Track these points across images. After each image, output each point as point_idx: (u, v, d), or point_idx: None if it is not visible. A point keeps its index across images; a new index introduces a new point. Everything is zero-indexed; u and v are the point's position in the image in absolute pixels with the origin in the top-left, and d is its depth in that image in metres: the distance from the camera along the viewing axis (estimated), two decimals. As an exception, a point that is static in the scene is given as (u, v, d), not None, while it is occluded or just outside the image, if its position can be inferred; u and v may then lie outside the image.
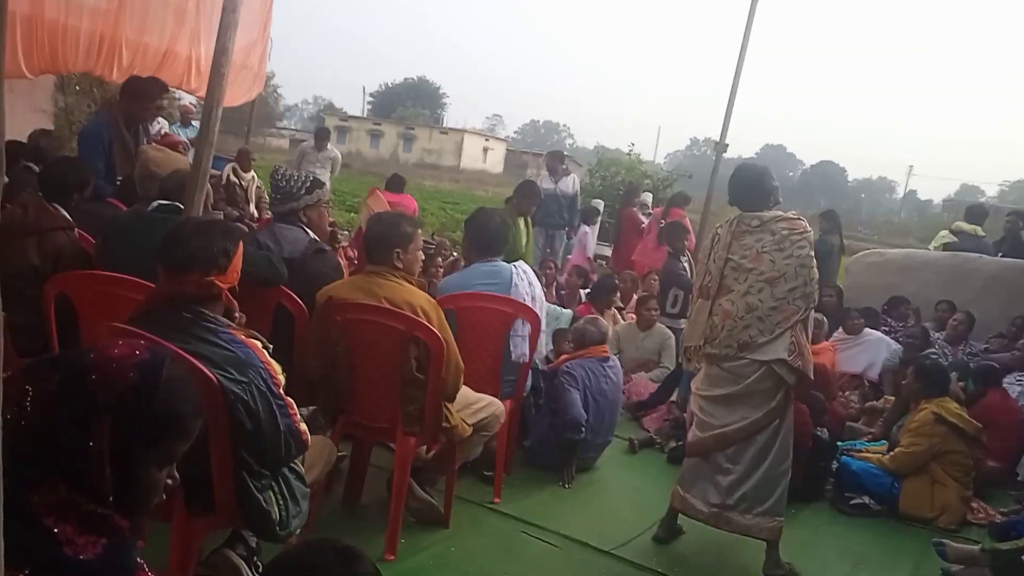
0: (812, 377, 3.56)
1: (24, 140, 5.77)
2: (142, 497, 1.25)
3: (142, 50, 7.19)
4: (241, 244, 2.40)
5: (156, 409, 1.23)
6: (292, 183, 3.60)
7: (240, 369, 2.23)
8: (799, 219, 3.57)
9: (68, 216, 3.52)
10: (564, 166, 9.99)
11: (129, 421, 1.20)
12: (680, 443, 5.00)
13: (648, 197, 11.43)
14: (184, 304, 2.26)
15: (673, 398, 5.54)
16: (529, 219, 6.00)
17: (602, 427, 4.62)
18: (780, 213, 3.58)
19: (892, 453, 4.65)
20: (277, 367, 2.35)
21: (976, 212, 9.32)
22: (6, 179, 3.39)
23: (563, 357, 4.94)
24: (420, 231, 3.48)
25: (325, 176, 9.62)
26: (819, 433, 4.73)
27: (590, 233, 9.89)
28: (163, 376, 1.25)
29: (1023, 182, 55.71)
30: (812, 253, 3.49)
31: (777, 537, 3.59)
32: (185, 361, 2.15)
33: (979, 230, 8.67)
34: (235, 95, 8.55)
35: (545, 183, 9.73)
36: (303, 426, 2.41)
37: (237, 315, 2.49)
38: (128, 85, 5.02)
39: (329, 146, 10.40)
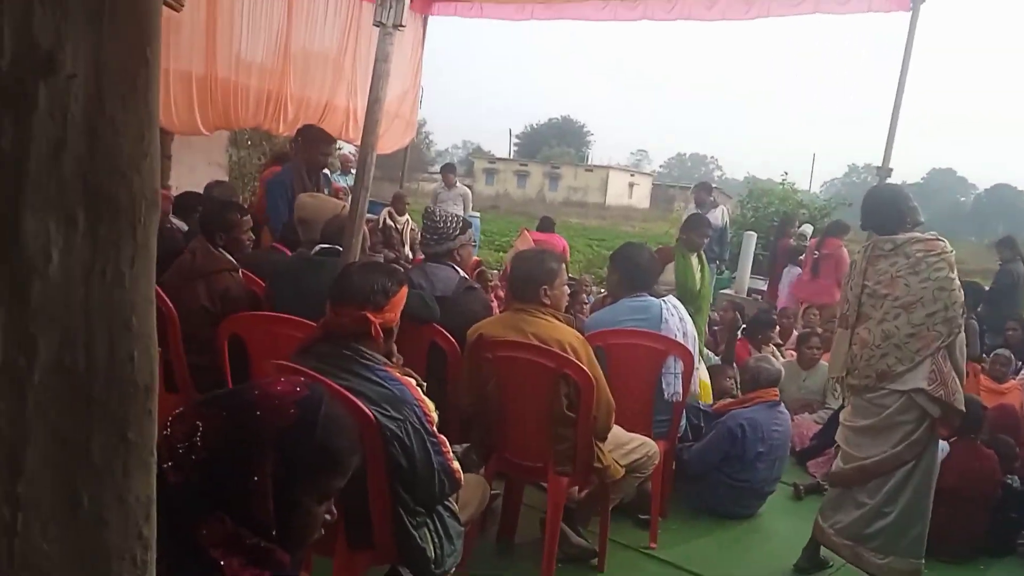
0: (962, 409, 3.29)
1: (201, 192, 6.24)
2: (303, 531, 1.28)
3: (305, 104, 7.71)
4: (404, 288, 2.45)
5: (316, 444, 1.25)
6: (448, 223, 3.70)
7: (395, 406, 2.27)
8: (937, 240, 3.40)
9: (231, 258, 3.72)
10: (712, 198, 9.73)
11: (290, 456, 1.23)
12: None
13: (808, 229, 10.95)
14: (342, 340, 2.33)
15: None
16: (703, 255, 5.46)
17: (770, 475, 4.39)
18: (916, 235, 3.40)
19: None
20: (431, 404, 2.38)
21: None
22: (186, 227, 3.66)
23: (731, 401, 4.73)
24: (565, 267, 3.46)
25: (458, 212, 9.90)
26: (1010, 481, 4.28)
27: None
28: (322, 412, 1.27)
29: None
30: (953, 276, 3.29)
31: None
32: (343, 398, 2.23)
33: None
34: (389, 143, 8.98)
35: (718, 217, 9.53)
36: (456, 464, 2.42)
37: (396, 358, 2.55)
38: (305, 132, 5.33)
39: (458, 183, 10.65)
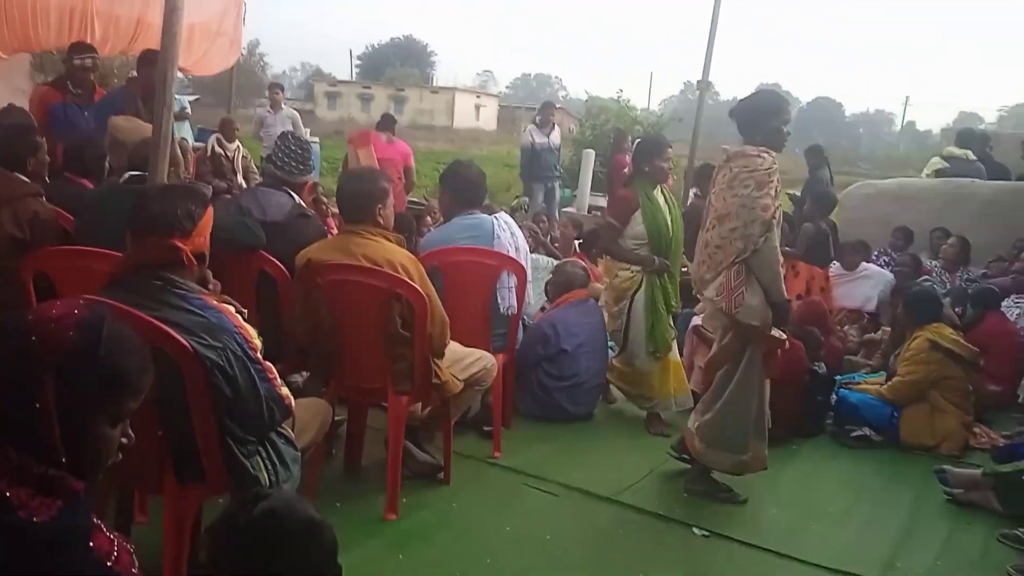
0: (747, 322, 3.41)
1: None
2: (96, 456, 1.25)
3: (114, 22, 7.07)
4: (209, 208, 2.32)
5: (99, 366, 1.22)
6: (309, 153, 3.67)
7: (213, 334, 2.20)
8: (758, 155, 3.39)
9: (30, 182, 3.45)
10: (552, 118, 9.88)
11: (73, 380, 1.19)
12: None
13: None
14: (151, 270, 2.22)
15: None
16: (666, 190, 4.52)
17: (594, 366, 4.63)
18: (745, 148, 3.45)
19: (890, 383, 4.64)
20: (252, 331, 2.31)
21: (967, 136, 9.20)
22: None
23: (548, 309, 4.95)
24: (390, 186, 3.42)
25: None
26: (816, 368, 4.72)
27: None
28: (104, 333, 1.23)
29: (1022, 107, 55.03)
30: (758, 194, 3.32)
31: (739, 472, 3.67)
32: (157, 330, 2.14)
33: (970, 154, 8.54)
34: (213, 63, 8.44)
35: (537, 136, 9.63)
36: (285, 390, 2.39)
37: (212, 284, 2.46)
38: (146, 57, 5.07)
39: (285, 104, 10.15)
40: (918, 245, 7.28)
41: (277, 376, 2.37)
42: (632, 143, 9.78)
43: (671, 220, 4.40)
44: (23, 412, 1.15)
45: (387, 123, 8.39)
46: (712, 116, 9.77)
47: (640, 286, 4.38)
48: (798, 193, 8.14)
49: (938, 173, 8.54)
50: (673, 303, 4.51)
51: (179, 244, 2.19)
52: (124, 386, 1.26)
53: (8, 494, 1.12)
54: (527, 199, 10.07)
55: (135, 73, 5.73)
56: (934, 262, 6.84)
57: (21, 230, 3.28)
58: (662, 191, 4.45)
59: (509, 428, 4.21)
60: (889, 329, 5.71)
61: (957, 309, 5.39)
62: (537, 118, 10.02)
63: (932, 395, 4.53)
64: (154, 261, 2.21)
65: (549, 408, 4.49)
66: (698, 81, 6.74)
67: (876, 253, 7.14)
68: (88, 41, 6.86)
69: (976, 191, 7.86)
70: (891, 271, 6.51)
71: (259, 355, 2.31)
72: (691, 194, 6.74)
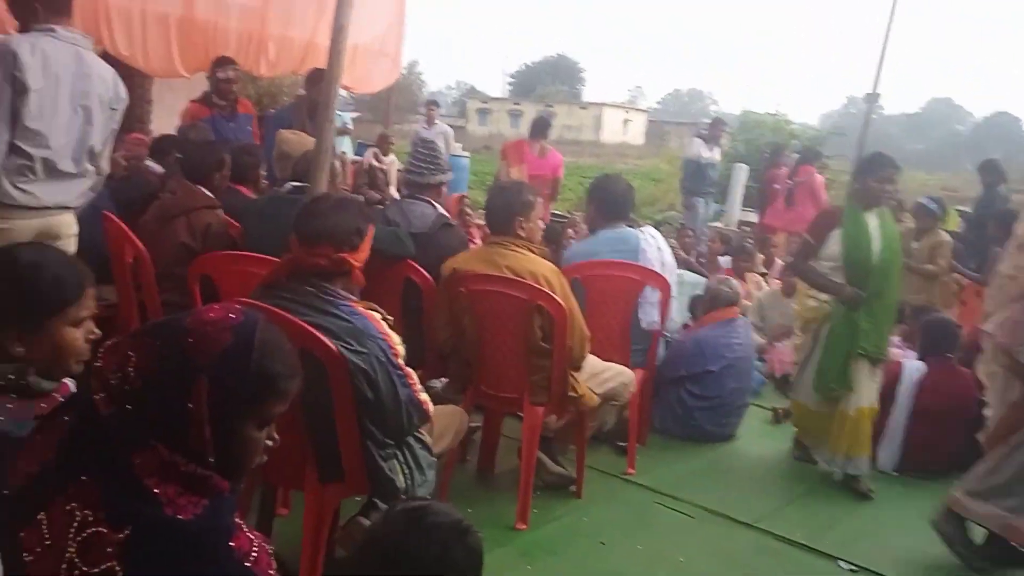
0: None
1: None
2: (242, 457, 1.28)
3: (287, 45, 7.56)
4: (372, 226, 2.46)
5: (251, 370, 1.23)
6: (441, 156, 3.74)
7: (360, 340, 2.29)
8: None
9: (211, 195, 3.73)
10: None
11: (225, 382, 1.21)
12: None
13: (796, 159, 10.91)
14: (309, 277, 2.34)
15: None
16: (887, 212, 3.97)
17: (740, 387, 4.47)
18: None
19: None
20: (396, 338, 2.39)
21: None
22: (162, 169, 3.66)
23: (693, 325, 4.80)
24: (540, 199, 3.45)
25: None
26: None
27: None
28: (257, 337, 1.26)
29: None
30: None
31: (1005, 535, 3.15)
32: (308, 334, 2.25)
33: None
34: (374, 81, 8.84)
35: (705, 151, 9.48)
36: (424, 396, 2.45)
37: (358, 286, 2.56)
38: (312, 76, 5.33)
39: (439, 120, 10.39)
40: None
41: (417, 382, 2.43)
42: (789, 157, 9.46)
43: (881, 248, 3.79)
44: (175, 412, 1.18)
45: (540, 128, 7.82)
46: (878, 130, 9.27)
47: (827, 319, 3.85)
48: (969, 211, 7.55)
49: None
50: (867, 346, 3.78)
51: (349, 259, 2.33)
52: (273, 390, 1.28)
53: (156, 491, 1.15)
54: (674, 213, 9.91)
55: (303, 91, 6.09)
56: None
57: (194, 239, 3.54)
58: (881, 215, 3.86)
59: (644, 445, 4.13)
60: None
61: None
62: (705, 133, 9.84)
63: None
64: (322, 270, 2.33)
65: (688, 427, 4.36)
66: (866, 95, 6.39)
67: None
68: (262, 62, 7.41)
69: None
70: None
71: (401, 361, 2.38)
72: (923, 200, 6.37)
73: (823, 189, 8.90)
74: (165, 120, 8.04)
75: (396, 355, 2.37)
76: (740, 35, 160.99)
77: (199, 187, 3.72)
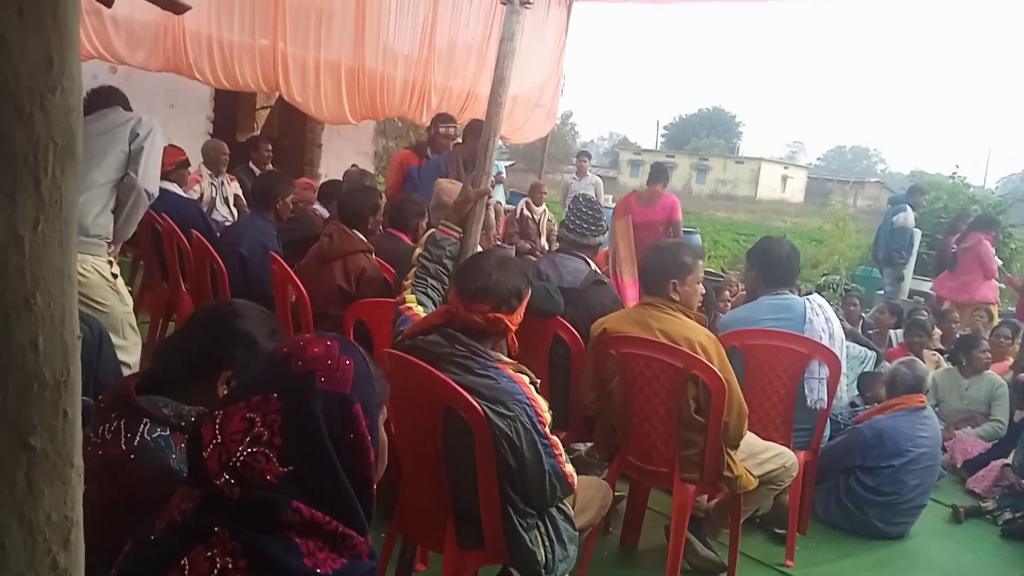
0: None
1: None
2: (381, 461, 1.31)
3: (448, 93, 7.80)
4: (530, 289, 2.41)
5: (375, 379, 1.30)
6: (603, 217, 3.65)
7: (506, 403, 2.19)
8: None
9: (365, 239, 3.82)
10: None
11: (368, 401, 1.25)
12: (1019, 515, 4.18)
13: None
14: (460, 333, 2.28)
15: (1009, 460, 4.64)
16: None
17: (921, 486, 4.00)
18: None
19: None
20: (543, 404, 2.28)
21: None
22: (328, 213, 3.78)
23: (872, 409, 4.37)
24: (702, 262, 3.25)
25: None
26: None
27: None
28: (360, 350, 1.30)
29: None
30: None
31: None
32: (457, 395, 2.17)
33: None
34: (529, 132, 8.96)
35: (910, 220, 9.10)
36: (569, 468, 2.31)
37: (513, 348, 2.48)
38: (472, 127, 5.45)
39: (590, 172, 10.30)
40: None
41: (563, 452, 2.30)
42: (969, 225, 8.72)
43: None
44: (320, 460, 1.17)
45: (656, 174, 7.67)
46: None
47: None
48: None
49: None
50: None
51: (506, 320, 2.27)
52: (385, 391, 1.34)
53: (297, 540, 1.14)
54: (837, 277, 9.37)
55: (460, 140, 6.21)
56: None
57: (349, 283, 3.63)
58: None
59: (804, 534, 3.77)
60: None
61: None
62: (912, 201, 9.42)
63: None
64: (477, 328, 2.28)
65: (855, 522, 3.93)
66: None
67: None
68: (424, 110, 7.66)
69: None
70: None
71: (547, 429, 2.25)
72: None
73: (991, 258, 8.14)
74: (334, 165, 8.46)
75: (543, 422, 2.26)
76: (910, 90, 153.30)
77: (355, 232, 3.81)
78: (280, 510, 1.13)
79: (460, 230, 2.76)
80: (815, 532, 3.87)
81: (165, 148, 5.27)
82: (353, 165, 7.35)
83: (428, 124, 6.03)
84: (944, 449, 4.86)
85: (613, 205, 12.98)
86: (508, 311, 2.29)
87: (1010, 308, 8.93)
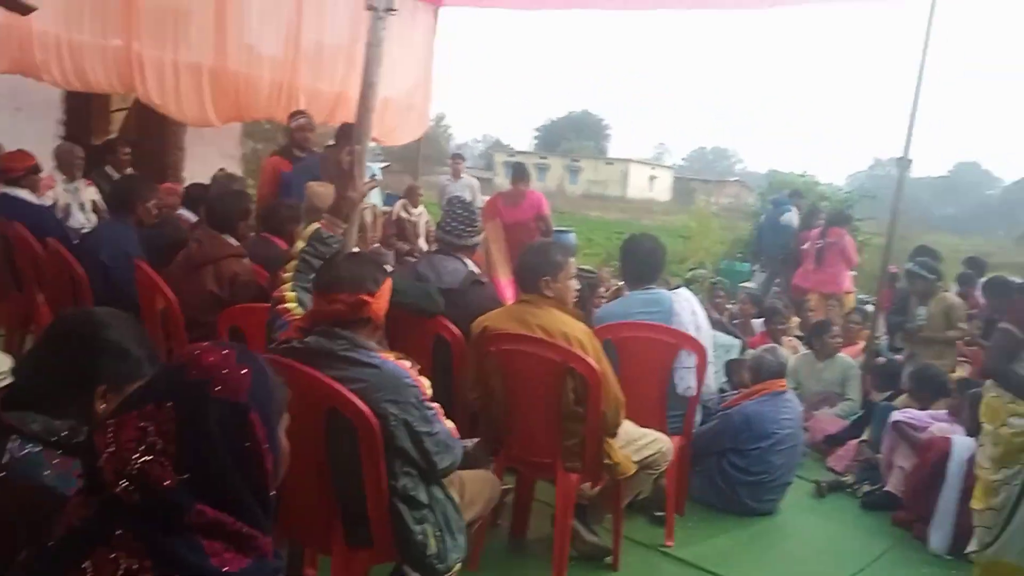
0: None
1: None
2: (280, 469, 1.30)
3: (317, 96, 7.65)
4: (389, 279, 2.41)
5: (274, 385, 1.28)
6: (478, 218, 3.68)
7: (396, 388, 2.25)
8: None
9: (237, 243, 3.72)
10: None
11: (265, 408, 1.23)
12: (876, 487, 4.52)
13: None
14: (334, 329, 2.27)
15: (864, 437, 5.01)
16: None
17: (787, 464, 4.26)
18: None
19: None
20: (426, 382, 2.36)
21: None
22: (195, 218, 3.66)
23: (739, 395, 4.61)
24: (573, 259, 3.35)
25: None
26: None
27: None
28: (258, 357, 1.29)
29: None
30: None
31: None
32: (333, 391, 2.17)
33: None
34: (402, 134, 8.92)
35: (792, 219, 9.60)
36: (450, 424, 2.42)
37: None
38: (344, 130, 5.35)
39: (465, 174, 10.33)
40: None
41: (442, 412, 2.39)
42: (821, 219, 9.33)
43: None
44: (219, 465, 1.17)
45: (518, 175, 7.68)
46: (908, 194, 9.07)
47: None
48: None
49: None
50: None
51: (367, 299, 2.27)
52: (286, 396, 1.33)
53: (203, 542, 1.14)
54: (703, 271, 9.81)
55: (332, 142, 6.11)
56: None
57: (221, 288, 3.52)
58: None
59: (682, 515, 3.94)
60: None
61: None
62: (796, 202, 10.04)
63: None
64: (338, 317, 2.27)
65: (728, 501, 4.16)
66: (898, 159, 6.27)
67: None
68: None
69: None
70: None
71: (428, 400, 2.35)
72: (910, 266, 6.22)
73: (854, 251, 8.78)
74: (198, 168, 8.13)
75: (426, 397, 2.34)
76: (764, 94, 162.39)
77: (225, 236, 3.69)
78: (184, 512, 1.13)
79: (344, 225, 2.76)
80: (692, 512, 4.04)
81: (12, 153, 4.97)
82: (220, 169, 7.10)
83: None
84: (806, 429, 5.20)
85: (488, 207, 13.09)
86: (367, 294, 2.29)
87: (862, 296, 9.64)
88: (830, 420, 5.47)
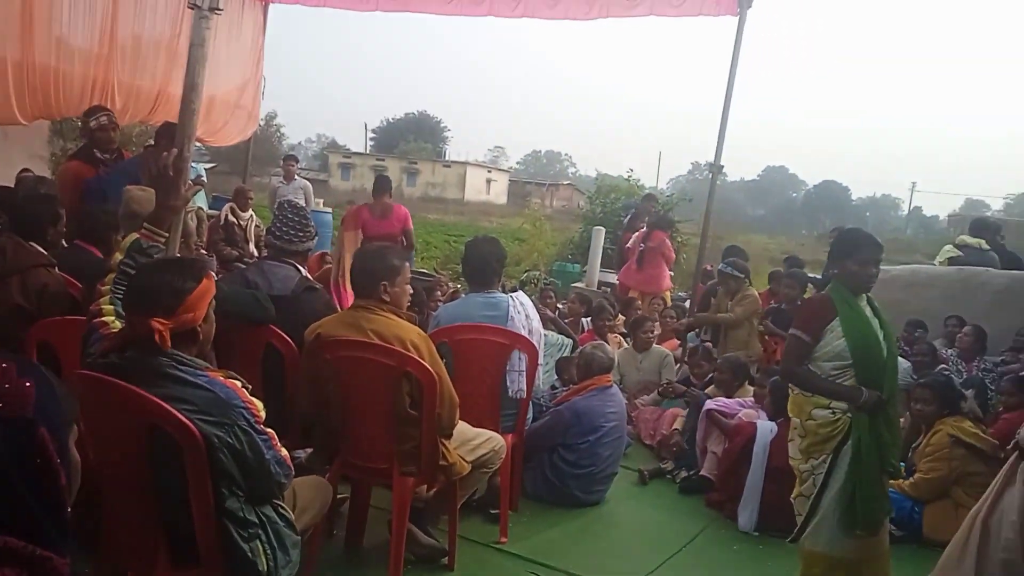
0: None
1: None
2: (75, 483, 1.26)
3: (135, 93, 7.21)
4: (204, 282, 2.27)
5: (61, 397, 1.23)
6: (310, 222, 3.63)
7: (223, 410, 2.15)
8: None
9: (45, 252, 3.48)
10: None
11: (54, 421, 1.19)
12: (692, 473, 4.87)
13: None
14: (150, 346, 2.16)
15: (677, 426, 5.37)
16: (874, 300, 3.34)
17: (613, 456, 4.50)
18: None
19: (912, 480, 4.46)
20: (258, 404, 2.27)
21: (980, 226, 9.13)
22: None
23: (568, 391, 4.83)
24: (408, 263, 3.40)
25: None
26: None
27: None
28: (40, 368, 1.25)
29: (1028, 194, 55.38)
30: None
31: None
32: (162, 411, 2.08)
33: (984, 243, 8.48)
34: (230, 134, 8.59)
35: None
36: (284, 452, 2.34)
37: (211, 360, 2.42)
38: (165, 130, 4.99)
39: (298, 176, 10.11)
40: (931, 333, 7.18)
41: (277, 439, 2.31)
42: (649, 219, 9.85)
43: (884, 339, 3.21)
44: (8, 485, 1.11)
45: (381, 186, 7.55)
46: (723, 197, 9.85)
47: (847, 433, 3.10)
48: (819, 276, 8.11)
49: (951, 261, 8.48)
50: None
51: (156, 324, 2.12)
52: (75, 408, 1.29)
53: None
54: (537, 273, 10.09)
55: (152, 142, 5.78)
56: (950, 351, 6.72)
57: (29, 300, 3.27)
58: (869, 302, 3.27)
59: (516, 511, 4.08)
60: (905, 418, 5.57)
61: (977, 400, 5.23)
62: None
63: (955, 491, 4.35)
64: (134, 340, 2.16)
65: (559, 494, 4.35)
66: (710, 164, 6.78)
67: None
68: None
69: (990, 280, 7.76)
70: (910, 360, 6.39)
71: (263, 425, 2.26)
72: (721, 266, 6.69)
73: (672, 253, 9.34)
74: (1, 171, 7.44)
75: (259, 420, 2.25)
76: (594, 99, 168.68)
77: (32, 244, 3.44)
78: None
79: (166, 235, 2.64)
80: (525, 508, 4.20)
81: None
82: (25, 170, 6.56)
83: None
84: (631, 420, 5.51)
85: (326, 210, 12.88)
86: (165, 313, 2.15)
87: (680, 293, 10.28)
88: (652, 410, 5.83)
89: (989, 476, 4.29)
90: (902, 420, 5.44)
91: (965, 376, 6.20)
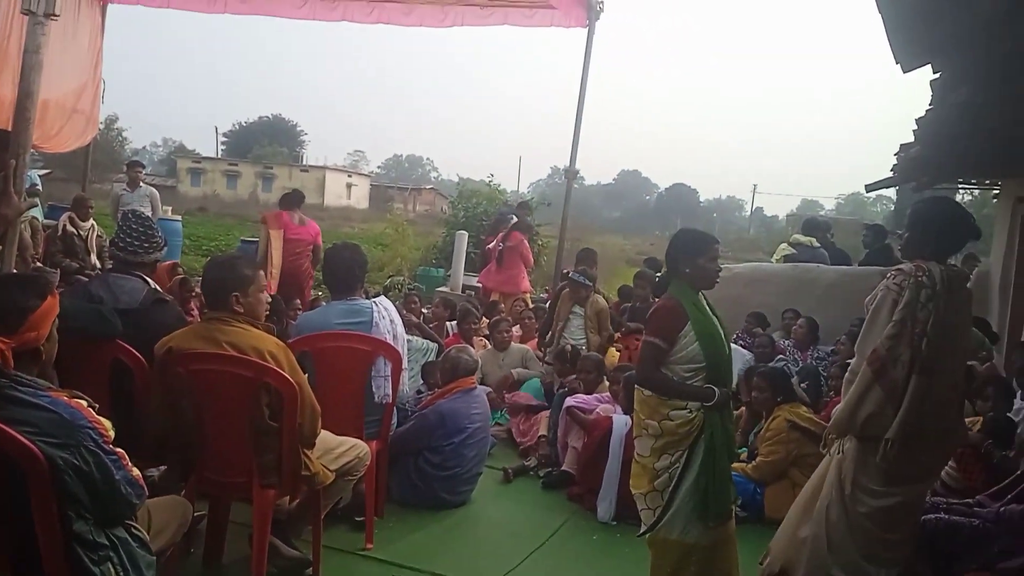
0: None
1: None
2: None
3: (-42, 96, 6.67)
4: (48, 299, 2.21)
5: None
6: (157, 230, 3.51)
7: (68, 432, 2.07)
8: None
9: None
10: None
11: None
12: (552, 469, 5.04)
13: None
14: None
15: (543, 432, 5.51)
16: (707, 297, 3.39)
17: (474, 459, 4.58)
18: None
19: (754, 464, 4.80)
20: (107, 423, 2.20)
21: (811, 225, 9.96)
22: None
23: (434, 396, 4.88)
24: (261, 272, 3.35)
25: None
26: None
27: None
28: None
29: (858, 195, 60.22)
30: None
31: None
32: (2, 434, 1.98)
33: (815, 241, 9.24)
34: (68, 140, 8.11)
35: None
36: (136, 472, 2.27)
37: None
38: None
39: (143, 183, 9.69)
40: (771, 326, 7.73)
41: (127, 458, 2.24)
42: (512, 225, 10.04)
43: (723, 334, 3.33)
44: None
45: (293, 200, 8.16)
46: (578, 199, 10.19)
47: (701, 429, 3.17)
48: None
49: (786, 259, 9.16)
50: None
51: (18, 338, 2.05)
52: None
53: None
54: (401, 278, 10.08)
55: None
56: (787, 342, 7.27)
57: None
58: (705, 299, 3.34)
59: (382, 517, 4.09)
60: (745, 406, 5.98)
61: (804, 384, 5.69)
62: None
63: (792, 472, 4.71)
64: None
65: (425, 497, 4.39)
66: (565, 169, 7.04)
67: (735, 335, 7.52)
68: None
69: (820, 276, 8.45)
70: (752, 351, 6.86)
71: (111, 445, 2.18)
72: (572, 275, 6.91)
73: (529, 253, 9.58)
74: None
75: (107, 440, 2.18)
76: (455, 103, 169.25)
77: None
78: None
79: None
80: (392, 513, 4.21)
81: None
82: None
83: None
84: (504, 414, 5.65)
85: (176, 217, 12.31)
86: (7, 332, 2.09)
87: (542, 295, 10.54)
88: (522, 395, 6.05)
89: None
90: (743, 409, 5.86)
91: (801, 364, 6.73)
